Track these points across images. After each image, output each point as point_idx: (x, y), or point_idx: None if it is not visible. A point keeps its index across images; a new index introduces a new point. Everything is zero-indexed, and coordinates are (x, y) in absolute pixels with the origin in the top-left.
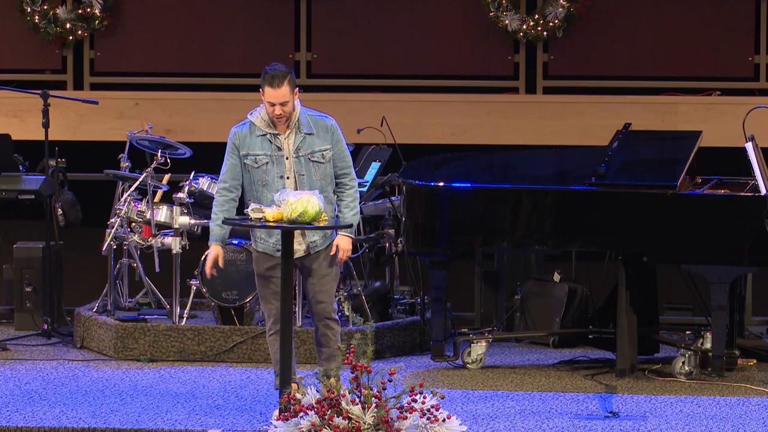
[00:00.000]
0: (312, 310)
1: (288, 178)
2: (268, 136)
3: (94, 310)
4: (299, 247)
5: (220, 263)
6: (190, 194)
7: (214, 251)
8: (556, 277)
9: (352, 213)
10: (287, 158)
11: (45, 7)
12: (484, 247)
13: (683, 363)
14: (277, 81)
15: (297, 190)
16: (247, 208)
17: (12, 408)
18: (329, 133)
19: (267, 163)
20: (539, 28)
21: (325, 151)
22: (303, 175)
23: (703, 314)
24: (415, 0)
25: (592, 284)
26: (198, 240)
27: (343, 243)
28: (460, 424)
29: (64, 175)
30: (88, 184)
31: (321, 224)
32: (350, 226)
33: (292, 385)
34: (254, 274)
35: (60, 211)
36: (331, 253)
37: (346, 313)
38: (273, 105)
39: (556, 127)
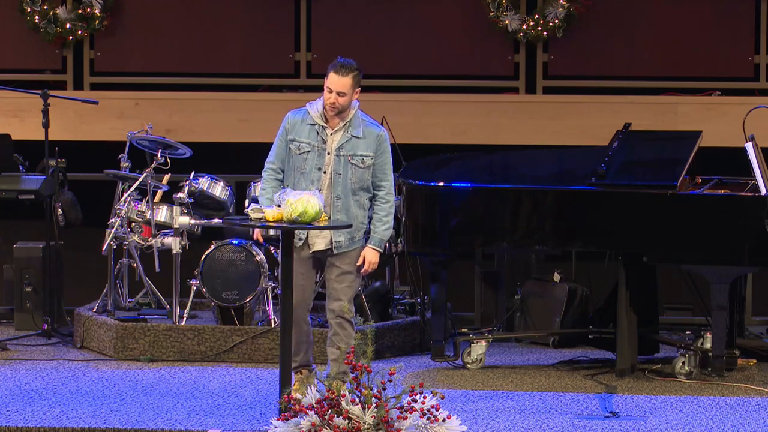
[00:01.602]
0: (328, 307)
1: (325, 172)
2: (316, 127)
3: (94, 310)
4: (321, 240)
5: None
6: (190, 194)
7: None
8: (556, 277)
9: (384, 227)
10: (329, 153)
11: (45, 7)
12: (484, 247)
13: (683, 363)
14: (343, 70)
15: (331, 186)
16: (280, 193)
17: (12, 408)
18: (376, 142)
19: (308, 152)
20: (539, 28)
21: (366, 156)
22: (339, 174)
23: (703, 314)
24: (415, 0)
25: (592, 284)
26: (198, 240)
27: (370, 256)
28: (460, 424)
29: (64, 175)
30: (88, 184)
31: (321, 224)
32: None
33: (302, 371)
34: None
35: (60, 211)
36: (357, 264)
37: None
38: (331, 92)
39: (556, 127)
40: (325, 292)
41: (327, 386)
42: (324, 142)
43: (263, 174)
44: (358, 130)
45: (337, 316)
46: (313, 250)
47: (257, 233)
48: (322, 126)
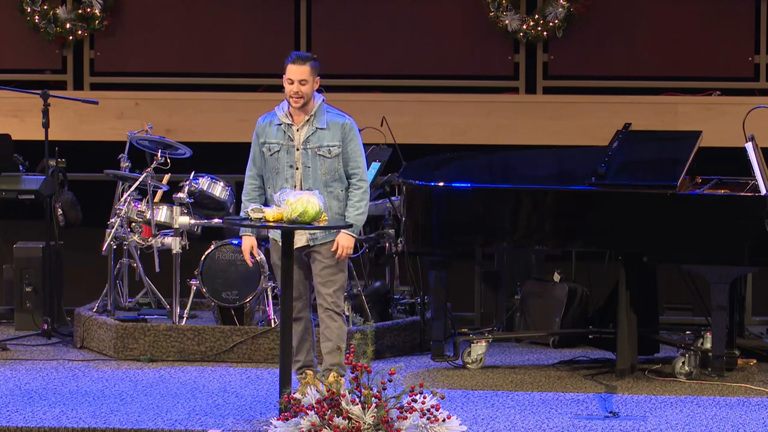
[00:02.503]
0: (317, 302)
1: (297, 168)
2: (283, 126)
3: (94, 310)
4: (300, 238)
5: (254, 253)
6: (190, 194)
7: (248, 242)
8: (556, 277)
9: (356, 212)
10: (297, 149)
11: (45, 7)
12: (484, 247)
13: (683, 363)
14: (300, 60)
15: (302, 180)
16: (280, 193)
17: (12, 408)
18: (342, 131)
19: (279, 151)
20: (539, 28)
21: (332, 147)
22: (309, 167)
23: (703, 314)
24: (415, 0)
25: (592, 284)
26: (198, 240)
27: (343, 240)
28: (460, 424)
29: (64, 175)
30: (88, 184)
31: (321, 224)
32: (350, 226)
33: (307, 372)
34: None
35: (60, 211)
36: (332, 249)
37: (346, 313)
38: (292, 82)
39: (556, 127)
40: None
41: (321, 380)
42: (291, 138)
43: (244, 185)
44: (323, 122)
45: (325, 309)
46: (295, 247)
47: (248, 259)
48: (288, 124)
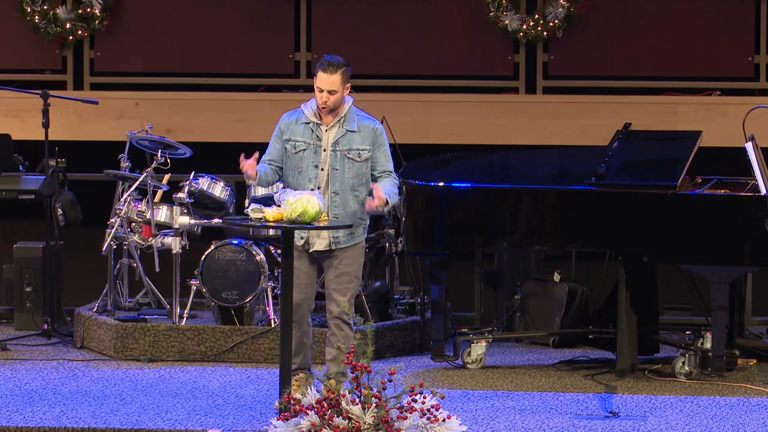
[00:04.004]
0: (327, 307)
1: (322, 169)
2: (311, 124)
3: (94, 310)
4: (321, 241)
5: (250, 162)
6: (190, 194)
7: (252, 161)
8: (556, 277)
9: (392, 188)
10: (324, 150)
11: (45, 7)
12: (484, 247)
13: (683, 363)
14: (331, 68)
15: (328, 183)
16: (280, 193)
17: (12, 408)
18: (372, 135)
19: (304, 150)
20: (539, 28)
21: (362, 150)
22: (336, 169)
23: (703, 314)
24: (415, 0)
25: (592, 284)
26: (198, 240)
27: (382, 194)
28: (460, 424)
29: (64, 175)
30: (88, 184)
31: (321, 224)
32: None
33: (301, 375)
34: (257, 273)
35: (60, 211)
36: (376, 197)
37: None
38: (322, 91)
39: (556, 127)
40: (324, 292)
41: (325, 385)
42: (319, 139)
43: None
44: (353, 124)
45: (334, 317)
46: (312, 249)
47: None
48: (317, 123)
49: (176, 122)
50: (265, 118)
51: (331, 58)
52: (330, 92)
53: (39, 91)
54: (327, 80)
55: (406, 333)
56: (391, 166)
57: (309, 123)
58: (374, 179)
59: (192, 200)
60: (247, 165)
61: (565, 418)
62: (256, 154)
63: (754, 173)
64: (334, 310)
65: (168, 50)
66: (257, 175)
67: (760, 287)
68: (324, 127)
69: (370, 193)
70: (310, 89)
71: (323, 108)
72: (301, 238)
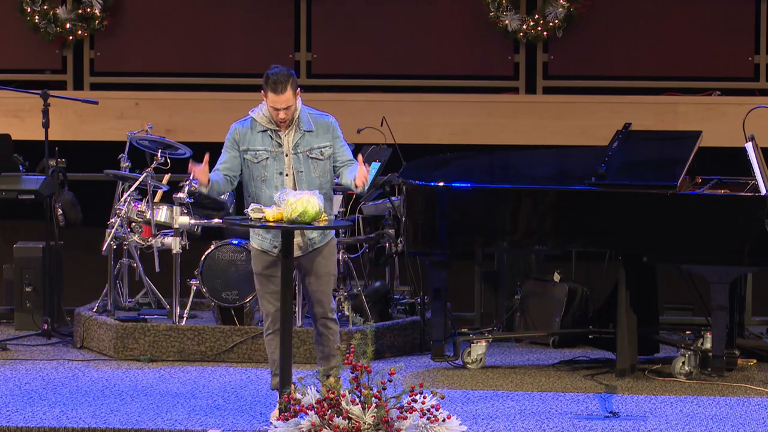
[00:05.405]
0: (310, 311)
1: (287, 174)
2: (269, 132)
3: (94, 310)
4: (297, 247)
5: (202, 167)
6: (190, 194)
7: (203, 166)
8: (556, 277)
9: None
10: (286, 155)
11: (45, 7)
12: (484, 247)
13: (683, 363)
14: (280, 87)
15: (295, 186)
16: (247, 207)
17: (12, 408)
18: (329, 131)
19: (267, 158)
20: (539, 28)
21: (323, 148)
22: (301, 171)
23: (703, 314)
24: (415, 0)
25: (592, 284)
26: (198, 240)
27: (363, 170)
28: (460, 424)
29: (64, 175)
30: (88, 184)
31: (321, 224)
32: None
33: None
34: (253, 274)
35: (60, 211)
36: (359, 173)
37: (346, 313)
38: (277, 110)
39: (556, 127)
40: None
41: (321, 382)
42: (280, 145)
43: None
44: (308, 124)
45: (320, 318)
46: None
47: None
48: (274, 130)
49: (176, 122)
50: None
51: (276, 75)
52: (285, 109)
53: (39, 91)
54: (280, 100)
55: (406, 333)
56: (351, 155)
57: (266, 130)
58: (337, 171)
59: (192, 200)
60: (199, 171)
61: (565, 418)
62: (207, 156)
63: (754, 173)
64: (319, 312)
65: (168, 50)
66: (209, 183)
67: (760, 287)
68: (282, 132)
69: (335, 191)
70: (310, 89)
71: (283, 125)
72: (275, 247)
